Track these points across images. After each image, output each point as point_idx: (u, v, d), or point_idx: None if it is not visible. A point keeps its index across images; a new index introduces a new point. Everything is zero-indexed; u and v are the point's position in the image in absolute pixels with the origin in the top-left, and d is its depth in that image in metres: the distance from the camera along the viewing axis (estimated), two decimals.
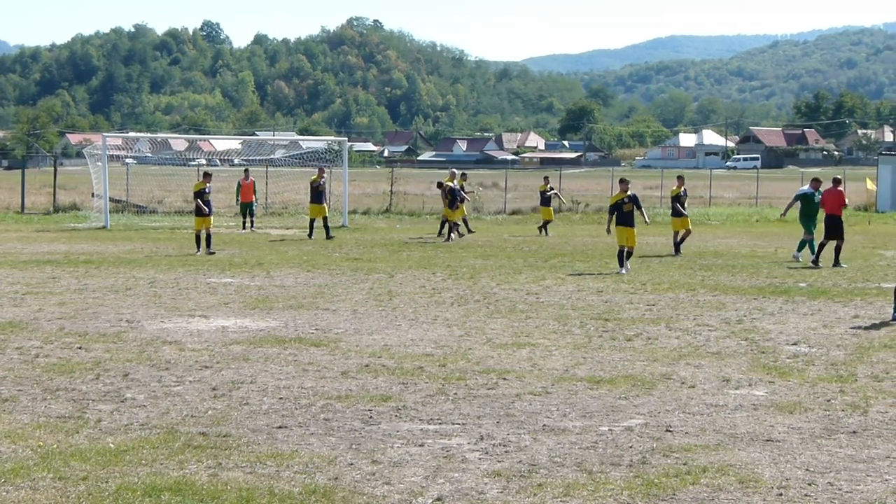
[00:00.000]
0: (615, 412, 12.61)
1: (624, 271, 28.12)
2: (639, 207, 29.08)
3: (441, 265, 30.14)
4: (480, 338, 17.83)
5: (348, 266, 29.83)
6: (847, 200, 32.27)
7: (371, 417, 12.28)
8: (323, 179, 41.00)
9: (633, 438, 11.40)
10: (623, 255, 28.66)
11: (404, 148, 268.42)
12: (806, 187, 33.50)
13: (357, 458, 10.58)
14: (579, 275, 27.97)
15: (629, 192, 29.14)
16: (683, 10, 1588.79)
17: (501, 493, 9.52)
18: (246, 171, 47.83)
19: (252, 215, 45.98)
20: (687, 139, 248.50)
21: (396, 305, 21.76)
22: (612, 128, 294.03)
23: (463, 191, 42.33)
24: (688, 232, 34.77)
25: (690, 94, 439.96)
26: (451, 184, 41.01)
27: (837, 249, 31.02)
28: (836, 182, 32.09)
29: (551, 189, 45.80)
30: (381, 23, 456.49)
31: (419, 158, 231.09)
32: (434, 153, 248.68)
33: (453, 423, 12.02)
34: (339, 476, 9.98)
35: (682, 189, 35.13)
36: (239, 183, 46.95)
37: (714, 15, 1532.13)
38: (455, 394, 13.50)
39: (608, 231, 29.76)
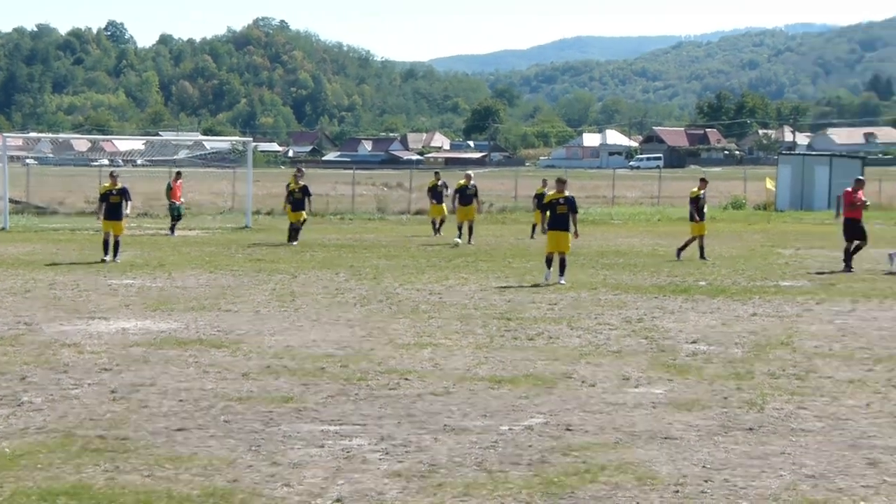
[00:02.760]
0: (516, 411, 12.66)
1: (549, 279, 26.04)
2: (573, 212, 26.58)
3: (344, 265, 30.08)
4: (382, 338, 17.83)
5: (251, 267, 29.69)
6: (855, 198, 30.40)
7: (272, 419, 12.24)
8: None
9: (533, 437, 11.46)
10: (551, 261, 26.43)
11: (309, 148, 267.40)
12: None
13: (257, 460, 10.54)
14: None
15: (566, 194, 26.63)
16: (589, 11, 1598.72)
17: (401, 493, 9.54)
18: (178, 173, 46.90)
19: (180, 217, 44.78)
20: (591, 139, 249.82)
21: (299, 306, 21.71)
22: (517, 128, 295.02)
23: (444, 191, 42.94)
24: (702, 237, 32.90)
25: (595, 95, 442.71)
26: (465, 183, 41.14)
27: (856, 249, 30.03)
28: (854, 182, 31.33)
29: None
30: (287, 23, 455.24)
31: (324, 159, 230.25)
32: (339, 153, 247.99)
33: (354, 424, 12.01)
34: (239, 478, 9.95)
35: (703, 192, 33.47)
36: (169, 184, 45.98)
37: (619, 16, 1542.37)
38: (356, 394, 13.50)
39: (543, 231, 27.62)
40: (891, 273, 28.53)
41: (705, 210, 33.49)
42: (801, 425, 12.03)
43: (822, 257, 33.47)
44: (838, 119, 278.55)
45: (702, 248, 32.62)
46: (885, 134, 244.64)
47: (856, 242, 29.86)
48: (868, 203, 31.54)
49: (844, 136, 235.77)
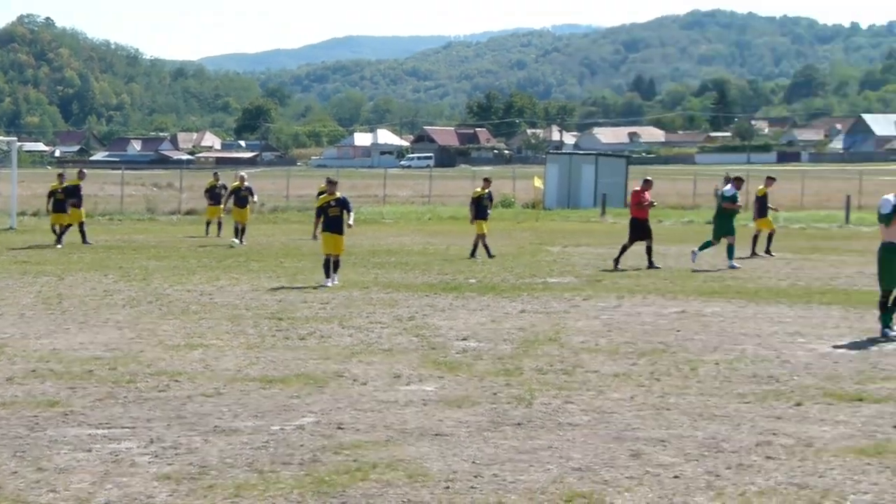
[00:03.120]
0: (287, 411, 12.63)
1: (330, 283, 25.44)
2: (348, 211, 26.37)
3: (113, 267, 29.59)
4: (152, 340, 17.59)
5: (16, 269, 28.99)
6: (643, 198, 30.66)
7: (37, 424, 11.97)
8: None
9: (305, 437, 11.44)
10: (329, 265, 25.90)
11: (77, 148, 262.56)
12: (728, 187, 31.90)
13: (21, 466, 10.29)
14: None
15: (338, 195, 26.45)
16: (359, 11, 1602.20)
17: (171, 496, 9.42)
18: None
19: None
20: (362, 138, 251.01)
21: (66, 308, 21.26)
22: (288, 127, 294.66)
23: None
24: (481, 236, 32.99)
25: (366, 94, 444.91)
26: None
27: (647, 250, 30.31)
28: (642, 182, 31.45)
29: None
30: (52, 20, 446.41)
31: (92, 158, 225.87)
32: (107, 153, 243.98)
33: (123, 427, 11.83)
34: (3, 485, 9.69)
35: (488, 191, 33.82)
36: None
37: (389, 16, 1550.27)
38: (125, 397, 13.29)
39: (314, 237, 27.31)
40: (695, 270, 29.24)
41: (489, 210, 33.90)
42: (567, 419, 12.26)
43: (589, 254, 34.17)
44: (604, 119, 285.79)
45: (475, 247, 32.97)
46: (648, 133, 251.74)
47: (644, 242, 30.40)
48: (655, 203, 32.21)
49: (610, 135, 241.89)
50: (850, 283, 26.51)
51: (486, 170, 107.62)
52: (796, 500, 9.33)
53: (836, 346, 17.25)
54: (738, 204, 31.34)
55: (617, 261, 30.03)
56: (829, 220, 53.61)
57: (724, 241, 30.64)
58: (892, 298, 18.41)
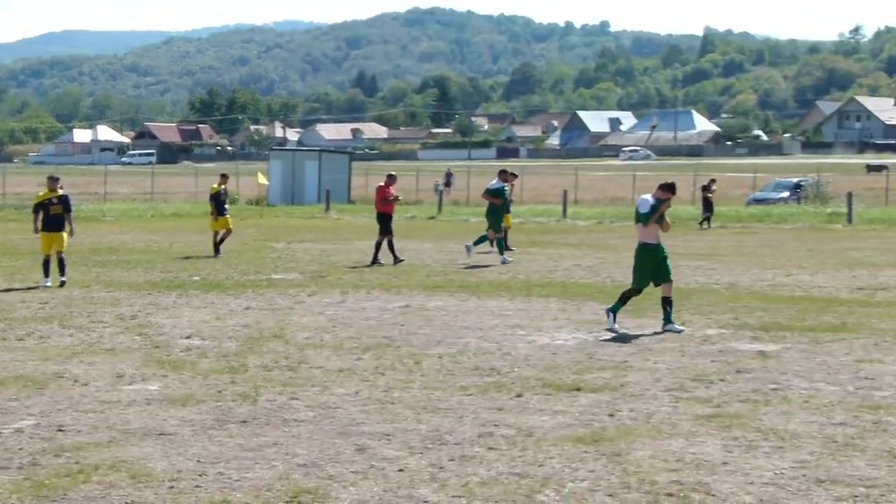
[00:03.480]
0: (5, 414, 12.30)
1: (49, 283, 24.72)
2: (68, 211, 25.16)
3: None
4: None
5: None
6: (387, 193, 30.68)
7: None
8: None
9: (24, 440, 11.17)
10: (49, 265, 24.82)
11: None
12: (495, 181, 31.85)
13: None
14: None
15: (60, 192, 25.27)
16: (76, 5, 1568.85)
17: None
18: None
19: None
20: (82, 135, 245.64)
21: None
22: (4, 123, 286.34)
23: None
24: (228, 231, 32.91)
25: (85, 90, 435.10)
26: None
27: (388, 245, 30.33)
28: (386, 178, 31.55)
29: None
30: None
31: None
32: None
33: None
34: None
35: (223, 188, 33.35)
36: None
37: (107, 10, 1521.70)
38: None
39: (36, 230, 26.23)
40: (467, 266, 29.50)
41: (227, 206, 33.57)
42: (293, 416, 12.27)
43: (314, 251, 34.24)
44: (326, 115, 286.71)
45: (220, 242, 32.57)
46: (370, 130, 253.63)
47: (384, 237, 30.53)
48: (400, 198, 32.37)
49: (333, 131, 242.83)
50: (568, 275, 27.22)
51: (209, 166, 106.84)
52: (517, 489, 9.55)
53: (554, 338, 17.69)
54: (507, 199, 31.86)
55: (374, 257, 30.10)
56: (548, 214, 54.82)
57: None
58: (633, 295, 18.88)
